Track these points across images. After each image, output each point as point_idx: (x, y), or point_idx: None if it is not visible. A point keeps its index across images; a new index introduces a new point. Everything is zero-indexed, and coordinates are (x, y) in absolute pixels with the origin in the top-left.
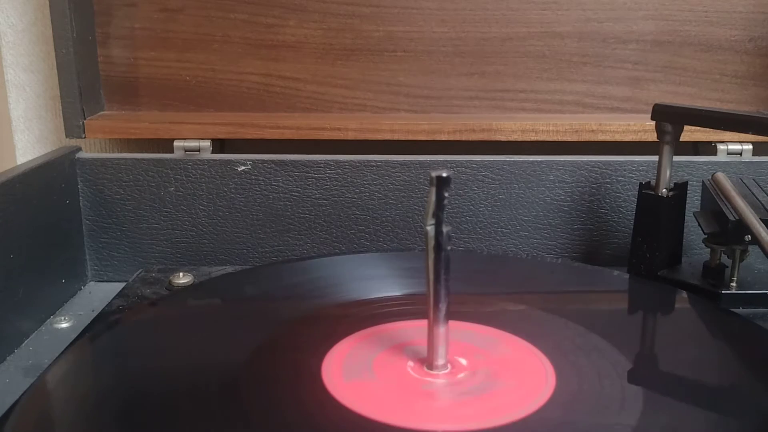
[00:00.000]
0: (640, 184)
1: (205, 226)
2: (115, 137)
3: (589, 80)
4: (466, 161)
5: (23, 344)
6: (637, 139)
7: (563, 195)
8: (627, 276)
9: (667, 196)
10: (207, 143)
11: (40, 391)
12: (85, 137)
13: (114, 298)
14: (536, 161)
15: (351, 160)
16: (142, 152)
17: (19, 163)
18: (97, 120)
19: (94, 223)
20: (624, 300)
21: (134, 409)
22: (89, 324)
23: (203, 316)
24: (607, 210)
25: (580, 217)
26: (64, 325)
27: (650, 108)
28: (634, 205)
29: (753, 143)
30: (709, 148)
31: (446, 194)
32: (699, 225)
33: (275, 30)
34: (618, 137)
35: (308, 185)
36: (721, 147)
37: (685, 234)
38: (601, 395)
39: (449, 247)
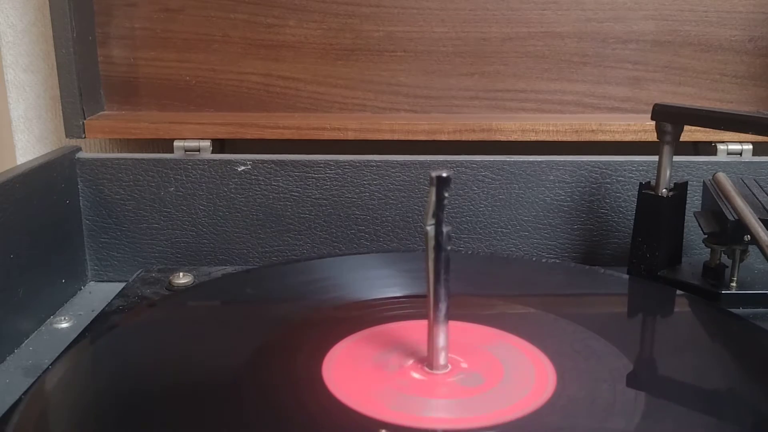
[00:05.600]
0: (640, 184)
1: (205, 226)
2: (115, 137)
3: (589, 80)
4: (466, 161)
5: (23, 344)
6: (637, 139)
7: (563, 195)
8: (627, 276)
9: (667, 196)
10: (207, 143)
11: (41, 392)
12: (85, 137)
13: (114, 298)
14: (536, 161)
15: (351, 160)
16: (142, 152)
17: (19, 163)
18: (97, 120)
19: (94, 223)
20: (624, 300)
21: (134, 410)
22: (89, 324)
23: (203, 316)
24: (607, 210)
25: (580, 217)
26: (64, 325)
27: (650, 108)
28: (634, 205)
29: (753, 143)
30: (709, 148)
31: (446, 194)
32: (699, 225)
33: (275, 30)
34: (618, 137)
35: (308, 185)
36: (721, 147)
37: (685, 234)
38: (601, 395)
39: (449, 247)
